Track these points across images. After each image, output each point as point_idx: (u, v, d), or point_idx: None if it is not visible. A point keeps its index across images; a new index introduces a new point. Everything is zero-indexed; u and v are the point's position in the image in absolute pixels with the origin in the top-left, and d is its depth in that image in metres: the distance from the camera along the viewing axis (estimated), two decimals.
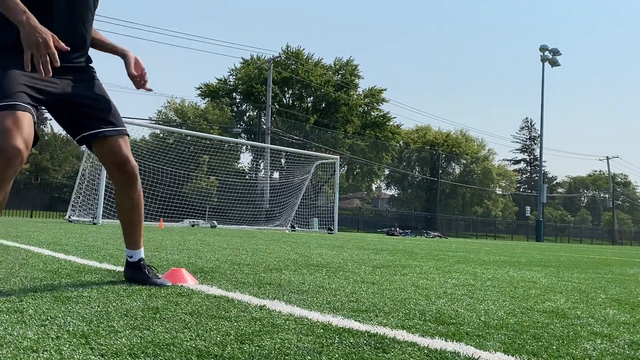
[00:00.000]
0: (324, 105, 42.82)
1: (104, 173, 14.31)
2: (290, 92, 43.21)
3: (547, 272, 4.69)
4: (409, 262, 4.98)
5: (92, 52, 2.64)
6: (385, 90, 43.77)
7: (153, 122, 34.68)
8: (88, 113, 2.38)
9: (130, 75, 2.59)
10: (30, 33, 2.01)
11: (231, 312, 1.87)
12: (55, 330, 1.47)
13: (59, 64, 2.04)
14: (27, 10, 2.06)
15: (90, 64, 2.50)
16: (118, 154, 2.43)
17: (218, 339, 1.47)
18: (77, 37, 2.39)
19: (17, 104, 2.07)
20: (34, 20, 2.04)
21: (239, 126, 41.58)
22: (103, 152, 2.43)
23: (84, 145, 2.53)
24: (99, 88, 2.46)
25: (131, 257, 2.61)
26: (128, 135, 2.52)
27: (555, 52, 37.67)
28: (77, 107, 2.37)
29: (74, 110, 2.37)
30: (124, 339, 1.41)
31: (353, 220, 39.35)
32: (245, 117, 43.94)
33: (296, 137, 37.59)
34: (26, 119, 2.07)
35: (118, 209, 2.63)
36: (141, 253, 2.64)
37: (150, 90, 2.70)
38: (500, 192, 59.48)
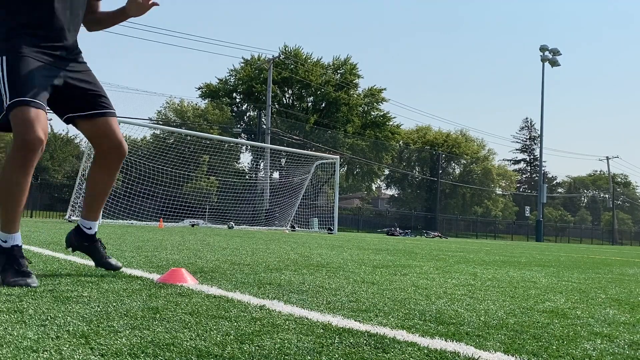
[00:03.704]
0: (324, 105, 42.81)
1: None
2: (290, 92, 43.20)
3: (547, 272, 4.69)
4: (409, 262, 4.98)
5: (93, 53, 2.71)
6: (385, 89, 43.82)
7: (153, 122, 34.66)
8: (85, 95, 2.55)
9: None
10: None
11: (231, 312, 1.86)
12: (55, 330, 1.47)
13: None
14: None
15: (81, 54, 2.66)
16: (115, 135, 2.61)
17: (218, 339, 1.47)
18: (75, 24, 2.57)
19: (34, 101, 2.27)
20: None
21: (239, 126, 41.57)
22: (99, 131, 2.59)
23: (71, 124, 2.65)
24: (92, 76, 2.64)
25: (90, 228, 2.73)
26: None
27: (555, 52, 37.68)
28: (75, 89, 2.53)
29: (71, 92, 2.53)
30: (124, 339, 1.41)
31: (353, 220, 39.35)
32: (245, 117, 43.93)
33: (296, 137, 37.59)
34: (42, 114, 2.29)
35: (93, 182, 2.71)
36: (97, 227, 2.77)
37: (156, 4, 2.70)
38: (500, 192, 59.47)
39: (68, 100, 2.54)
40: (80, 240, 2.71)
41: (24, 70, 2.31)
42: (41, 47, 2.42)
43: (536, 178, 56.93)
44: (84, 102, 2.54)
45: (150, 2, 2.64)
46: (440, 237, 31.34)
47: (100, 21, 2.78)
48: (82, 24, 2.73)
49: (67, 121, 2.62)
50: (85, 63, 2.65)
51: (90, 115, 2.55)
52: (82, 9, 2.61)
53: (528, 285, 3.40)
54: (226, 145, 23.71)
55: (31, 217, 22.57)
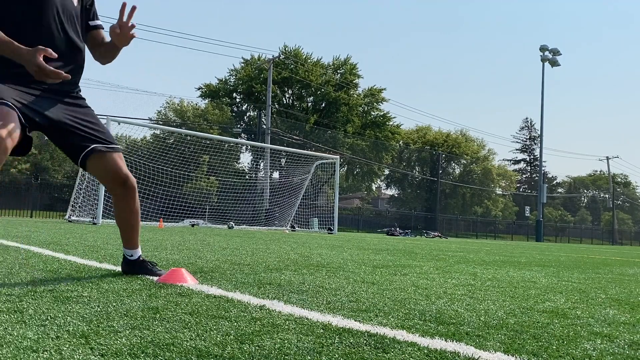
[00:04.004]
0: (324, 105, 42.80)
1: None
2: (290, 92, 43.19)
3: (547, 272, 4.69)
4: (409, 262, 4.98)
5: (89, 56, 2.69)
6: (385, 89, 43.81)
7: (153, 122, 34.66)
8: (84, 133, 2.53)
9: (118, 25, 2.51)
10: (29, 65, 2.17)
11: (231, 312, 1.86)
12: (55, 330, 1.47)
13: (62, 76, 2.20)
14: (13, 43, 2.21)
15: (81, 93, 2.64)
16: (119, 171, 2.60)
17: (218, 339, 1.47)
18: (70, 58, 2.51)
19: (3, 101, 2.17)
20: (23, 50, 2.19)
21: (239, 126, 41.57)
22: (103, 168, 2.58)
23: (82, 168, 2.63)
24: (92, 114, 2.63)
25: (131, 255, 2.81)
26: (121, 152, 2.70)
27: (555, 52, 37.67)
28: (73, 129, 2.50)
29: (70, 132, 2.50)
30: (124, 339, 1.41)
31: (353, 220, 39.33)
32: (245, 117, 43.94)
33: (296, 137, 37.58)
34: (11, 115, 2.15)
35: (119, 217, 2.79)
36: (139, 251, 2.85)
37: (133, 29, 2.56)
38: (500, 192, 59.45)
39: (72, 138, 2.50)
40: (128, 267, 2.82)
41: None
42: (28, 82, 2.35)
43: (536, 178, 56.93)
44: (89, 139, 2.52)
45: (130, 34, 2.54)
46: (440, 237, 31.34)
47: (105, 54, 2.73)
48: (95, 59, 2.75)
49: (82, 162, 2.56)
50: (85, 99, 2.64)
51: (97, 150, 2.53)
52: (78, 44, 2.55)
53: (528, 285, 3.40)
54: (226, 145, 23.72)
55: (31, 217, 22.57)
